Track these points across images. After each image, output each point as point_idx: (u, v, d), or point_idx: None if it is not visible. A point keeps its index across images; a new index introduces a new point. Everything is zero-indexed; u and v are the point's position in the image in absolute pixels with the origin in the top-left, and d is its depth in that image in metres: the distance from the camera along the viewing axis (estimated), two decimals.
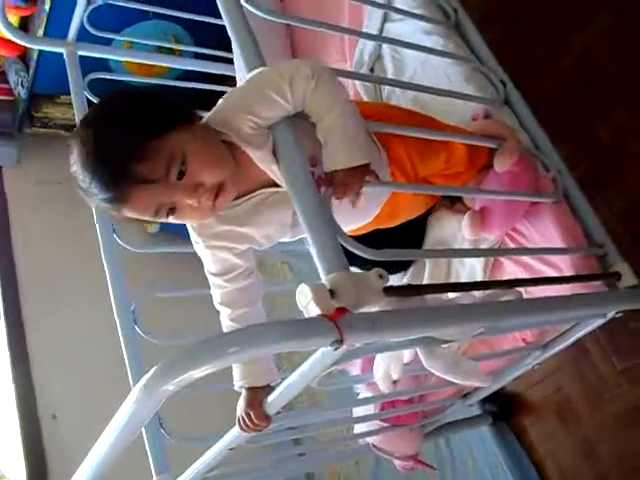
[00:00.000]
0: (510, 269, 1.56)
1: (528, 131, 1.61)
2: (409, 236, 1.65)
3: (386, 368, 1.31)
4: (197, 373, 0.77)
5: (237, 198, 1.22)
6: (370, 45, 1.96)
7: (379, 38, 1.89)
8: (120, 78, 2.21)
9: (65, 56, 1.96)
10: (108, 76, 2.10)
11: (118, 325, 1.68)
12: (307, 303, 0.85)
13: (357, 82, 1.96)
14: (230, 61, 2.21)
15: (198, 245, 1.29)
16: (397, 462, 1.88)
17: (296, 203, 1.00)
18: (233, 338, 0.81)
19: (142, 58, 2.36)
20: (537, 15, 2.07)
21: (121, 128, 1.08)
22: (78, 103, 1.90)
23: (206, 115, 1.21)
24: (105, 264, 1.73)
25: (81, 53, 1.97)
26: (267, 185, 1.22)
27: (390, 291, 0.95)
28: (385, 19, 1.90)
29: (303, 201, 1.00)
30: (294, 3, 2.28)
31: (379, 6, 1.85)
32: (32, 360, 2.82)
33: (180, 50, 2.83)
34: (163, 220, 1.16)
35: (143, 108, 1.12)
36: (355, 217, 1.43)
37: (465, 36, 1.79)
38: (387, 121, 1.35)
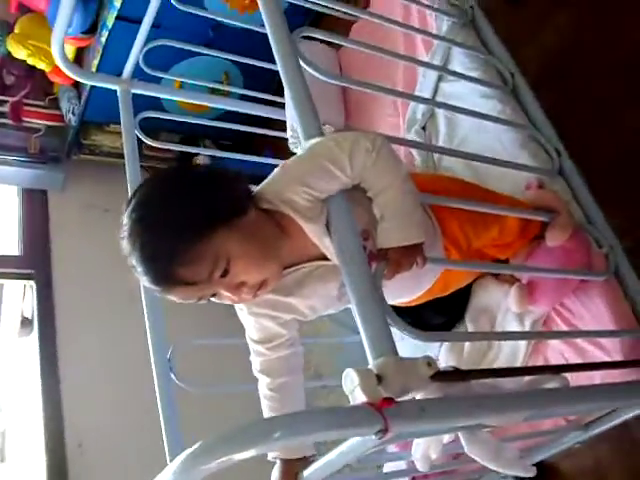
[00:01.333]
0: (555, 345, 1.52)
1: (581, 204, 1.58)
2: (452, 301, 1.63)
3: (425, 449, 1.28)
4: (239, 456, 0.76)
5: (285, 268, 1.21)
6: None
7: (434, 102, 1.87)
8: (168, 117, 2.24)
9: (119, 93, 1.95)
10: (158, 115, 2.11)
11: (153, 369, 1.65)
12: (354, 389, 0.84)
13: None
14: (279, 105, 2.21)
15: (241, 311, 1.28)
16: None
17: (347, 278, 0.98)
18: (278, 424, 0.80)
19: (192, 98, 2.39)
20: (595, 84, 2.02)
21: (168, 227, 1.07)
22: (128, 140, 1.88)
23: (259, 186, 1.19)
24: (144, 305, 1.71)
25: (135, 91, 1.98)
26: (315, 258, 1.20)
27: (437, 377, 0.93)
28: (440, 78, 1.90)
29: (354, 276, 0.98)
30: (348, 56, 2.29)
31: (436, 68, 1.84)
32: (63, 388, 2.81)
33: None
34: (205, 301, 1.16)
35: (192, 204, 1.09)
36: (407, 290, 1.41)
37: (521, 101, 1.77)
38: (443, 195, 1.33)
